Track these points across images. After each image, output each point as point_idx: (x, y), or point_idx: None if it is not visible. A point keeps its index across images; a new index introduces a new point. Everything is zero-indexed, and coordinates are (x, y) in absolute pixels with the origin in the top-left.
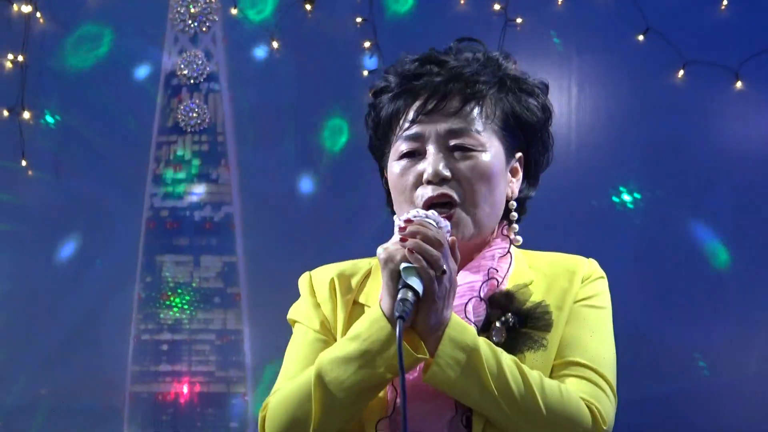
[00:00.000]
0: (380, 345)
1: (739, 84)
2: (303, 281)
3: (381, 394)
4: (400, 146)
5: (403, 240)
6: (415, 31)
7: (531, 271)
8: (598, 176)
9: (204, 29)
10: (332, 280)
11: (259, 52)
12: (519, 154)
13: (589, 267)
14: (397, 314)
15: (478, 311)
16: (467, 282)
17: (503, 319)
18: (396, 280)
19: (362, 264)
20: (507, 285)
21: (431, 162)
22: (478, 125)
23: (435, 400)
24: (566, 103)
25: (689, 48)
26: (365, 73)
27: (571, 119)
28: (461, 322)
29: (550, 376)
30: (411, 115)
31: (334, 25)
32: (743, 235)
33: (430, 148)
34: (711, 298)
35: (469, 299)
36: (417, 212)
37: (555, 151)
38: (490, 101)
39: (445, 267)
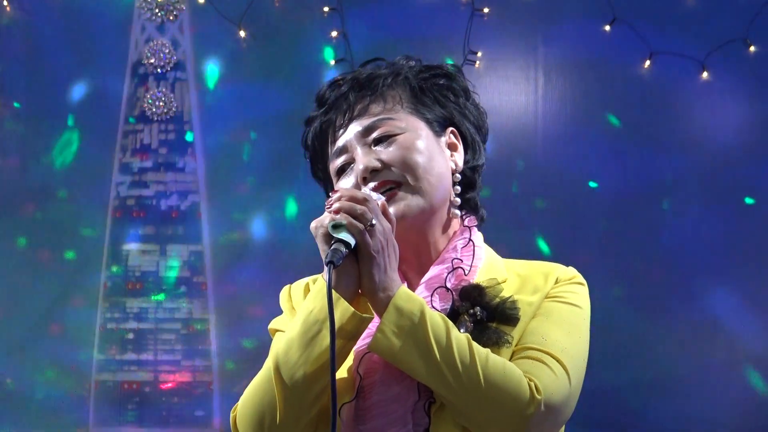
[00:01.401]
0: (325, 313)
1: (705, 74)
2: (283, 291)
3: (345, 377)
4: (335, 164)
5: (329, 207)
6: (383, 20)
7: (506, 271)
8: (565, 166)
9: (171, 18)
10: (307, 284)
11: (227, 41)
12: (451, 128)
13: (567, 271)
14: (326, 260)
15: (444, 301)
16: (434, 274)
17: (471, 311)
18: (327, 242)
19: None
20: (477, 277)
21: (358, 161)
22: (391, 113)
23: (400, 384)
24: (533, 93)
25: (656, 38)
26: (332, 62)
27: (537, 109)
28: (409, 292)
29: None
30: (331, 134)
31: (302, 15)
32: (710, 225)
33: (356, 152)
34: (679, 289)
35: (435, 289)
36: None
37: (521, 141)
38: (394, 89)
39: (374, 221)
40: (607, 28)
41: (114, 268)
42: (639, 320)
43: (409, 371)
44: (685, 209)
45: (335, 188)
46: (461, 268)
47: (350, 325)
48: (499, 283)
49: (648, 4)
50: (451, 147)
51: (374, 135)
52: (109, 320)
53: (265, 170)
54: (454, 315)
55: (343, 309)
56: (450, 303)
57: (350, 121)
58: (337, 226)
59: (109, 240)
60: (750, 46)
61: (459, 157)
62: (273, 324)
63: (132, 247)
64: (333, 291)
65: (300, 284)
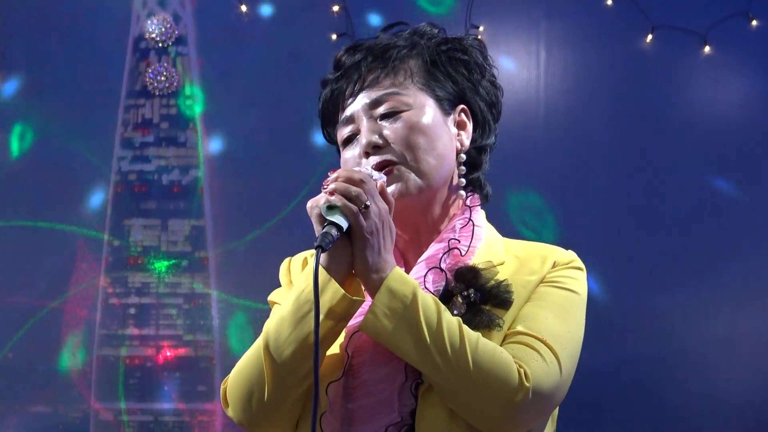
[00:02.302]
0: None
1: (707, 49)
2: (282, 265)
3: (334, 354)
4: (341, 133)
5: (325, 188)
6: None
7: (506, 253)
8: (567, 140)
9: None
10: (305, 258)
11: (228, 16)
12: (461, 106)
13: (566, 254)
14: (316, 244)
15: (437, 282)
16: (430, 255)
17: (465, 293)
18: (321, 223)
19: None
20: (475, 258)
21: (363, 134)
22: (401, 88)
23: (389, 365)
24: (534, 68)
25: (657, 13)
26: (333, 37)
27: (539, 83)
28: (403, 274)
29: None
30: (341, 102)
31: None
32: (712, 199)
33: (362, 124)
34: (680, 265)
35: (429, 269)
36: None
37: (523, 116)
38: (407, 62)
39: (369, 202)
40: (609, 2)
41: (116, 243)
42: (643, 296)
43: (399, 353)
44: (688, 183)
45: (339, 164)
46: (458, 248)
47: (340, 307)
48: (495, 266)
49: None
50: (460, 125)
51: (380, 109)
52: (111, 295)
53: (267, 145)
54: (447, 296)
55: (334, 291)
56: (444, 284)
57: (360, 91)
58: (331, 208)
59: (111, 215)
60: (752, 20)
61: (466, 136)
62: (272, 296)
63: (134, 222)
64: (325, 272)
65: (299, 258)
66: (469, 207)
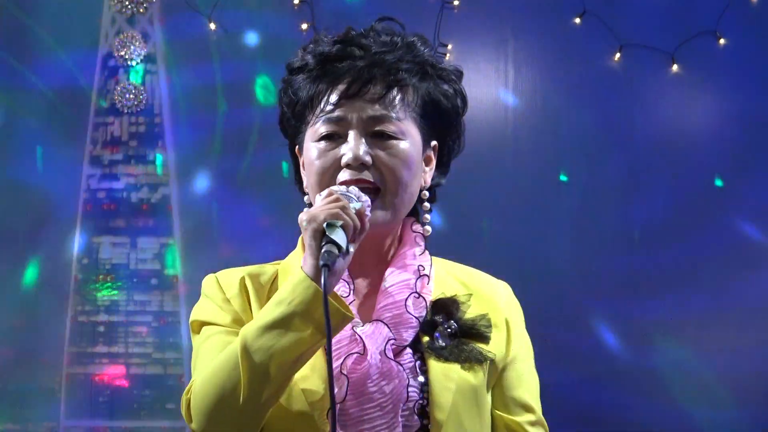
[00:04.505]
0: (305, 306)
1: (675, 67)
2: (208, 281)
3: (322, 377)
4: (320, 128)
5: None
6: (353, 13)
7: (451, 278)
8: (536, 159)
9: (141, 10)
10: (242, 278)
11: (197, 34)
12: (434, 143)
13: (508, 291)
14: (321, 263)
15: (418, 307)
16: (401, 280)
17: (446, 325)
18: (319, 239)
19: (268, 267)
20: (433, 285)
21: (352, 147)
22: (400, 113)
23: (389, 385)
24: (503, 86)
25: (625, 31)
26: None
27: (507, 101)
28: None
29: (503, 407)
30: (333, 98)
31: (271, 7)
32: (679, 217)
33: (351, 133)
34: (649, 279)
35: (408, 294)
36: (338, 187)
37: (492, 134)
38: (411, 89)
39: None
40: (577, 20)
41: (85, 261)
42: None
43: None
44: (656, 201)
45: (330, 188)
46: (426, 275)
47: (332, 321)
48: (469, 298)
49: None
50: (427, 160)
51: (377, 128)
52: (80, 313)
53: (235, 163)
54: (431, 326)
55: (333, 312)
56: (423, 310)
57: (357, 97)
58: (331, 225)
59: (80, 232)
60: (719, 38)
61: (430, 173)
62: (196, 315)
63: (103, 239)
64: (316, 287)
65: (232, 276)
66: (422, 235)
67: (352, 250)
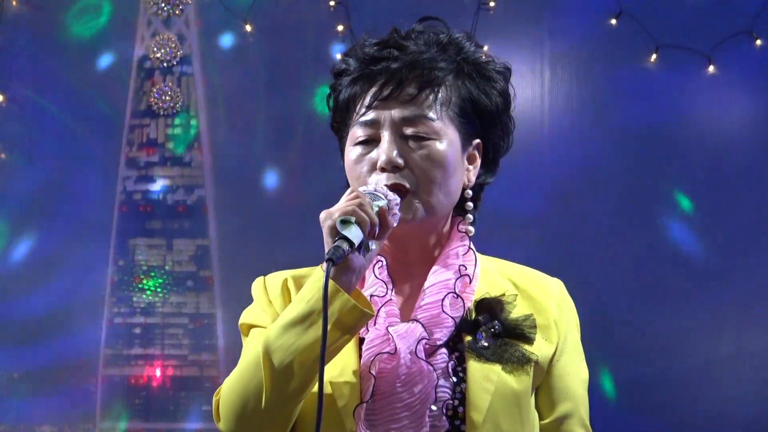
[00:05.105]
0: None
1: (711, 68)
2: (256, 284)
3: (352, 375)
4: (356, 132)
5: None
6: (389, 14)
7: (501, 277)
8: (572, 161)
9: (177, 12)
10: (285, 280)
11: (233, 36)
12: (477, 141)
13: (561, 290)
14: (327, 257)
15: (455, 307)
16: (441, 280)
17: (489, 325)
18: (333, 236)
19: (314, 269)
20: (477, 285)
21: (385, 149)
22: (434, 112)
23: (417, 387)
24: (539, 87)
25: (662, 32)
26: (338, 56)
27: (543, 103)
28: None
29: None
30: (367, 100)
31: (308, 9)
32: (718, 219)
33: (385, 135)
34: (685, 282)
35: (446, 295)
36: (366, 187)
37: (528, 136)
38: (447, 87)
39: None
40: (614, 21)
41: (121, 263)
42: (647, 317)
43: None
44: (693, 202)
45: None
46: (467, 275)
47: (350, 318)
48: (515, 298)
49: None
50: (471, 159)
51: (410, 129)
52: (116, 315)
53: (271, 164)
54: (474, 326)
55: (344, 301)
56: (461, 310)
57: (392, 99)
58: (345, 222)
59: (116, 234)
60: (756, 39)
61: (474, 172)
62: (244, 318)
63: (139, 241)
64: (334, 282)
65: (277, 278)
66: (467, 234)
67: (374, 247)
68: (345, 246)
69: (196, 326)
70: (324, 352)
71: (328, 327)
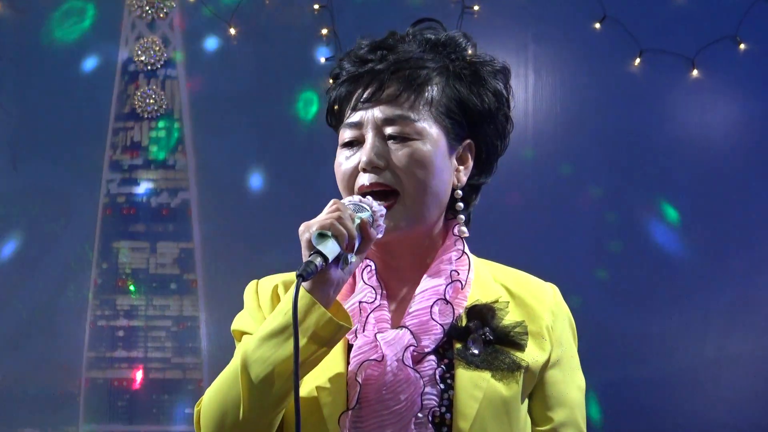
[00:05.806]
0: (300, 316)
1: (695, 72)
2: (248, 289)
3: (340, 382)
4: (344, 134)
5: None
6: (373, 18)
7: (495, 284)
8: (555, 165)
9: (161, 15)
10: (276, 286)
11: (217, 39)
12: (468, 141)
13: (555, 296)
14: (297, 273)
15: (445, 314)
16: (431, 286)
17: (480, 331)
18: (310, 249)
19: None
20: (471, 291)
21: (366, 150)
22: (416, 113)
23: (403, 395)
24: (523, 91)
25: (646, 36)
26: (322, 60)
27: (527, 107)
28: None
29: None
30: (353, 102)
31: (292, 12)
32: (701, 223)
33: (368, 136)
34: (669, 287)
35: (435, 301)
36: (352, 198)
37: (511, 140)
38: (432, 87)
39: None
40: (597, 25)
41: (104, 266)
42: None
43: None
44: (676, 207)
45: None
46: (459, 281)
47: (326, 331)
48: (507, 305)
49: (638, 2)
50: (462, 160)
51: (391, 130)
52: (100, 317)
53: (255, 167)
54: (464, 332)
55: (320, 314)
56: (450, 317)
57: (375, 100)
58: (321, 236)
59: (100, 237)
60: (740, 43)
61: (465, 172)
62: (235, 325)
63: (122, 244)
64: (310, 296)
65: (269, 282)
66: (461, 238)
67: (353, 260)
68: (318, 261)
69: (179, 329)
70: (297, 368)
71: (305, 340)
